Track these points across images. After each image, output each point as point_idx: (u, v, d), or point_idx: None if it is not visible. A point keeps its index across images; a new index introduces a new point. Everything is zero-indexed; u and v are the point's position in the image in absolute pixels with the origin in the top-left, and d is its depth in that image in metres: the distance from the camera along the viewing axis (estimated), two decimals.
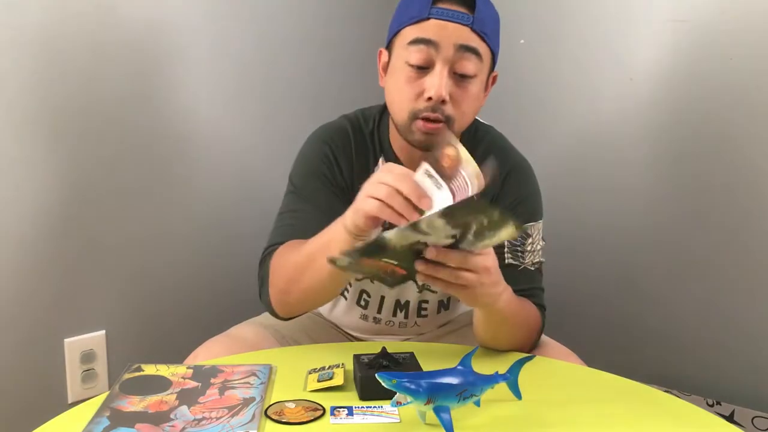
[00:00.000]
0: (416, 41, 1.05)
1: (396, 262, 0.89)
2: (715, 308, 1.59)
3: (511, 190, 1.17)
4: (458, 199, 0.86)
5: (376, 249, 0.86)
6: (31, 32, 1.44)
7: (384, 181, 0.90)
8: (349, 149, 1.17)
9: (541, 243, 1.18)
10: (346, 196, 1.13)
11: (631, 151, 1.68)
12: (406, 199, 0.88)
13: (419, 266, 0.89)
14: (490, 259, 0.92)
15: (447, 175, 0.87)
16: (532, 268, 1.15)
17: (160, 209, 1.68)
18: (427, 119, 1.05)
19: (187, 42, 1.67)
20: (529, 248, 1.15)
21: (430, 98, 1.04)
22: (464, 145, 1.10)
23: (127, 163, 1.61)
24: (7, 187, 1.45)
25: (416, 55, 1.05)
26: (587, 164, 1.76)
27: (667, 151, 1.63)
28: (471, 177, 0.86)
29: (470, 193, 0.85)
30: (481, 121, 1.21)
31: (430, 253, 0.87)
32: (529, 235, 1.15)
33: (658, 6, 1.61)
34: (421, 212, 0.88)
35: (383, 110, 1.20)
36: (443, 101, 1.04)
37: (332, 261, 0.87)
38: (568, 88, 1.78)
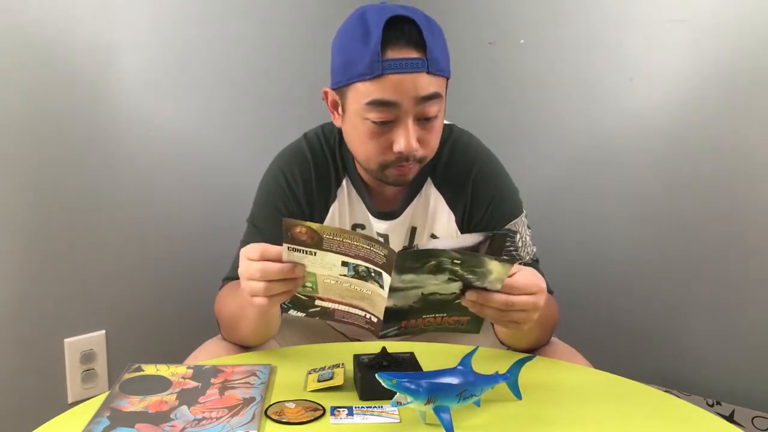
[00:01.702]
0: (375, 103, 0.99)
1: (443, 314, 0.90)
2: (715, 309, 1.60)
3: (481, 194, 1.15)
4: (357, 256, 0.85)
5: (398, 315, 0.87)
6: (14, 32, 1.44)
7: (252, 276, 0.89)
8: (308, 174, 1.15)
9: (529, 233, 1.17)
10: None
11: (630, 151, 1.68)
12: (282, 279, 0.88)
13: (465, 303, 0.88)
14: (541, 297, 0.90)
15: (312, 244, 0.85)
16: (531, 261, 1.15)
17: (161, 209, 1.68)
18: (400, 167, 1.04)
19: (172, 45, 1.67)
20: (520, 244, 1.14)
21: (400, 152, 1.02)
22: None
23: (127, 163, 1.61)
24: (7, 187, 1.45)
25: (377, 114, 1.00)
26: (587, 164, 1.76)
27: (668, 150, 1.63)
28: (347, 237, 0.84)
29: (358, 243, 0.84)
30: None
31: (470, 296, 0.87)
32: (516, 232, 1.14)
33: (657, 6, 1.61)
34: (306, 279, 0.89)
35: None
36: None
37: (384, 336, 0.90)
38: (567, 87, 1.78)
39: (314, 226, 0.84)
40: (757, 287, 1.53)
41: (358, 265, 0.85)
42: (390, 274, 0.82)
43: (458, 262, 0.82)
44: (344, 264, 0.86)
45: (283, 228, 0.85)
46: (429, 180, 1.17)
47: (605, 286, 1.76)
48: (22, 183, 1.47)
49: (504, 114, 1.90)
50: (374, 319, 0.89)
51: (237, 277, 1.11)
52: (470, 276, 0.84)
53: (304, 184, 1.15)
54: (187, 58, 1.68)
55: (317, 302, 0.93)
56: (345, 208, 1.17)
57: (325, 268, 0.87)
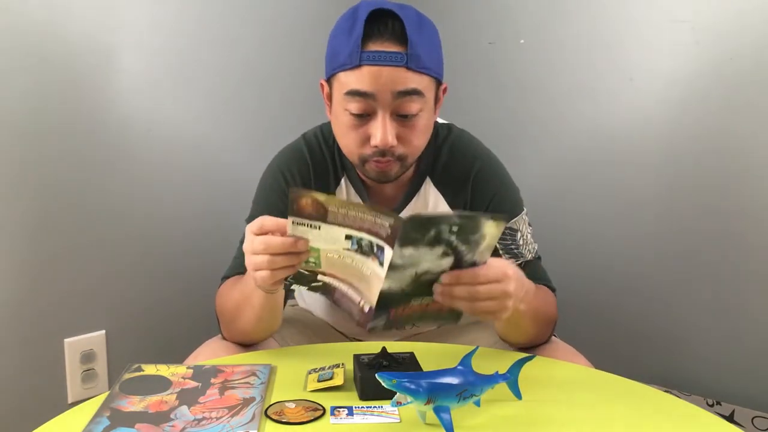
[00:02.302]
0: (352, 93, 1.01)
1: (429, 299, 0.90)
2: (715, 309, 1.59)
3: (482, 193, 1.15)
4: (361, 228, 0.85)
5: (388, 301, 0.87)
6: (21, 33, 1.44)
7: (255, 251, 0.90)
8: (307, 174, 1.16)
9: (530, 231, 1.17)
10: None
11: (631, 151, 1.68)
12: (285, 253, 0.89)
13: (436, 296, 0.89)
14: (510, 283, 0.90)
15: (317, 216, 0.87)
16: (532, 258, 1.15)
17: (161, 209, 1.68)
18: (378, 162, 1.05)
19: (172, 45, 1.67)
20: (521, 242, 1.15)
21: (376, 146, 1.03)
22: (426, 151, 1.11)
23: (127, 163, 1.61)
24: (7, 187, 1.45)
25: (354, 105, 1.02)
26: (587, 164, 1.76)
27: (668, 151, 1.63)
28: (353, 209, 0.85)
29: (376, 218, 0.84)
30: (439, 121, 1.19)
31: (445, 278, 0.88)
32: (516, 230, 1.15)
33: (658, 6, 1.61)
34: (310, 254, 0.90)
35: None
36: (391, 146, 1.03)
37: (372, 330, 0.90)
38: (568, 88, 1.78)
39: (321, 197, 0.85)
40: (757, 287, 1.53)
41: (361, 239, 0.85)
42: (392, 247, 0.82)
43: (455, 229, 0.82)
44: (348, 237, 0.87)
45: (289, 199, 0.86)
46: (428, 179, 1.17)
47: (605, 286, 1.76)
48: (21, 183, 1.47)
49: (504, 114, 1.90)
50: (366, 309, 0.90)
51: (231, 276, 1.12)
52: (463, 247, 0.85)
53: (303, 183, 1.16)
54: (187, 58, 1.68)
55: (319, 277, 0.94)
56: None
57: (329, 243, 0.88)
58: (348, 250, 0.88)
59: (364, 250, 0.86)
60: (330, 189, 1.17)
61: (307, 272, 0.93)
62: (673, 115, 1.61)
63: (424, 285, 0.88)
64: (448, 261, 0.86)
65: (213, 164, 1.75)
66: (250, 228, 0.92)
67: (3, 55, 1.41)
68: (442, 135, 1.17)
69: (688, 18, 1.56)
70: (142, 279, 1.66)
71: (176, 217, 1.70)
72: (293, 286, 0.96)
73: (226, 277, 1.16)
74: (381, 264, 0.84)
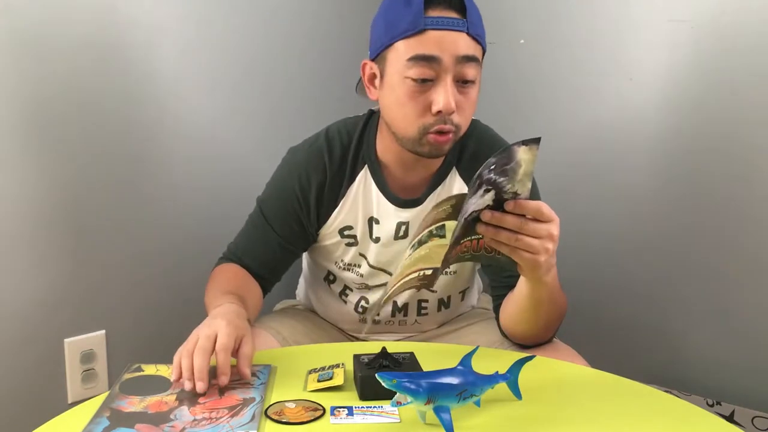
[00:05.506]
0: (417, 58, 1.03)
1: (479, 236, 0.92)
2: (715, 309, 1.59)
3: None
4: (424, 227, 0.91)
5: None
6: (25, 32, 1.44)
7: (188, 352, 0.94)
8: (323, 176, 1.18)
9: None
10: (309, 224, 1.20)
11: (630, 151, 1.68)
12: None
13: (480, 229, 0.90)
14: (554, 227, 0.92)
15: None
16: None
17: (161, 209, 1.67)
18: (439, 132, 1.06)
19: (189, 42, 1.67)
20: None
21: (439, 111, 1.04)
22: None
23: (128, 164, 1.61)
24: (7, 186, 1.45)
25: (418, 70, 1.03)
26: (587, 165, 1.76)
27: (667, 151, 1.63)
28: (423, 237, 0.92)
29: None
30: None
31: (485, 216, 0.89)
32: None
33: (657, 6, 1.61)
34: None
35: (367, 121, 1.20)
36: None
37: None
38: (567, 88, 1.78)
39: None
40: (756, 287, 1.53)
41: (420, 238, 0.89)
42: (456, 219, 0.86)
43: (493, 167, 0.84)
44: (411, 246, 0.91)
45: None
46: (454, 169, 1.19)
47: (605, 286, 1.76)
48: (22, 183, 1.46)
49: (504, 114, 1.89)
50: (429, 272, 0.91)
51: (233, 258, 1.21)
52: (501, 178, 0.86)
53: (318, 187, 1.18)
54: (213, 57, 1.67)
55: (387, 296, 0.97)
56: (359, 200, 1.19)
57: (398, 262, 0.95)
58: (406, 257, 0.91)
59: (422, 241, 0.90)
60: (342, 188, 1.18)
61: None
62: (672, 114, 1.61)
63: (471, 225, 0.90)
64: (489, 195, 0.88)
65: (215, 167, 1.75)
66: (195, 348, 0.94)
67: (29, 51, 1.41)
68: (470, 128, 1.18)
69: (688, 18, 1.56)
70: (143, 279, 1.66)
71: (177, 217, 1.70)
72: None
73: (222, 256, 1.24)
74: (442, 237, 0.89)
